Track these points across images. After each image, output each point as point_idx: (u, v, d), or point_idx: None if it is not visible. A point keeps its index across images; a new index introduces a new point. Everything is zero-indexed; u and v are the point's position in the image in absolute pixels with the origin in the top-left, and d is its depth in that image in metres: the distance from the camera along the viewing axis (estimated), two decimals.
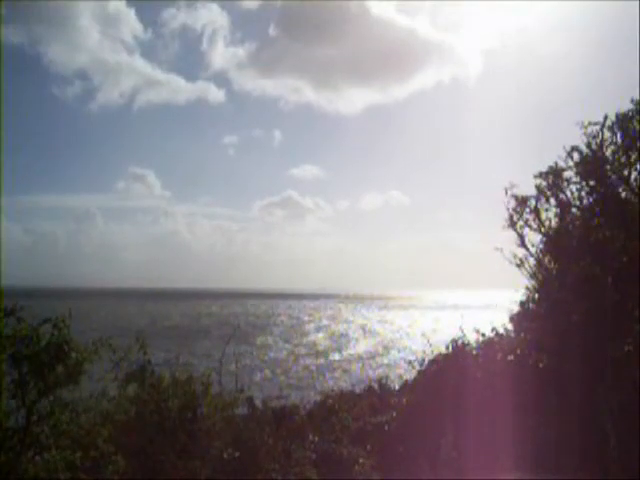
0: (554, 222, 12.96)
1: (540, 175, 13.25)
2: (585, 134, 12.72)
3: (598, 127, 12.59)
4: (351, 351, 67.50)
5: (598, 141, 12.57)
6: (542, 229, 12.97)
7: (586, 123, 12.66)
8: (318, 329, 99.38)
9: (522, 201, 13.32)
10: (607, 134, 12.54)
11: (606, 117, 12.51)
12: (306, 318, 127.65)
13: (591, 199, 12.66)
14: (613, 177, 12.40)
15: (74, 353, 7.79)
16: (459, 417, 11.61)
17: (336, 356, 62.19)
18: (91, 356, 8.11)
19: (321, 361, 58.70)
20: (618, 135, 12.48)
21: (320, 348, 69.41)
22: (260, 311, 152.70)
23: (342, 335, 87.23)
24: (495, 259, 13.51)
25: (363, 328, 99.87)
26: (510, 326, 12.86)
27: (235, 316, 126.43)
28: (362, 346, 72.40)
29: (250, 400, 11.96)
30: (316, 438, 12.01)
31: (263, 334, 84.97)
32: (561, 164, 13.04)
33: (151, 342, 10.34)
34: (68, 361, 7.76)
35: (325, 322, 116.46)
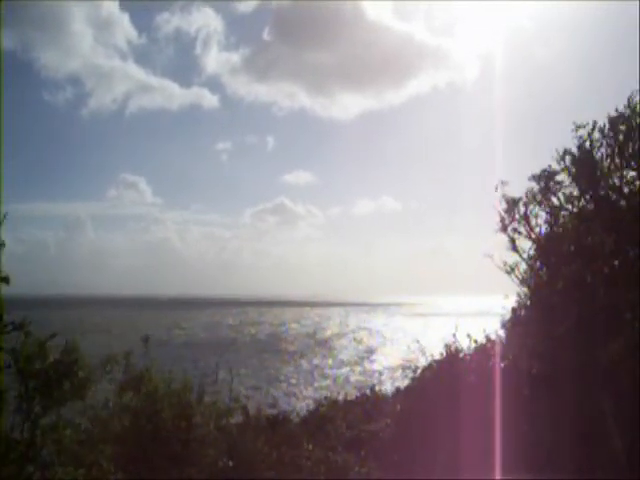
0: (544, 228, 12.92)
1: (533, 178, 13.13)
2: (576, 136, 12.55)
3: (589, 129, 12.40)
4: (381, 358, 66.94)
5: (589, 143, 12.47)
6: (532, 236, 12.93)
7: (577, 125, 12.48)
8: (339, 336, 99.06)
9: (513, 203, 13.21)
10: (599, 136, 12.43)
11: (595, 122, 12.46)
12: (318, 326, 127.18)
13: (582, 202, 12.60)
14: (604, 181, 12.33)
15: (81, 372, 7.92)
16: (454, 423, 11.65)
17: (374, 364, 61.94)
18: (101, 374, 8.26)
19: (362, 368, 58.56)
20: (609, 137, 12.37)
21: (353, 356, 69.26)
22: (267, 319, 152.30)
23: (364, 342, 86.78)
24: (488, 264, 13.48)
25: (381, 335, 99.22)
26: (502, 332, 12.90)
27: (243, 325, 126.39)
28: (392, 352, 71.70)
29: (245, 408, 12.07)
30: (310, 446, 12.08)
31: (283, 343, 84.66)
32: (555, 167, 12.88)
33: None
34: (75, 379, 7.89)
35: (339, 330, 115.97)
